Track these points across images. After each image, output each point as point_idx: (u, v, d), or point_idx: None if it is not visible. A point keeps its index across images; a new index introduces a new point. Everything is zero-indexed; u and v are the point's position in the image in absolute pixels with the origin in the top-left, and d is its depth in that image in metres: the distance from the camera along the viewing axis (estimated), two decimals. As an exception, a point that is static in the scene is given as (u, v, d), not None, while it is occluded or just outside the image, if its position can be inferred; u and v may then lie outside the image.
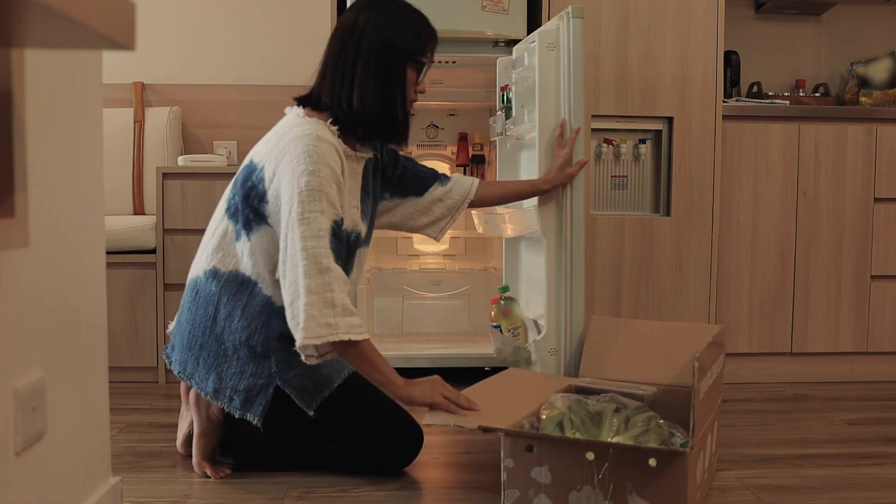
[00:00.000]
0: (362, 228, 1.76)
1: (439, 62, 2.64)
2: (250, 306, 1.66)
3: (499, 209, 2.39)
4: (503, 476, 1.50)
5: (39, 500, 1.08)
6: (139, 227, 2.65)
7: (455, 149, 3.15)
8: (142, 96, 3.16)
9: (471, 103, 3.08)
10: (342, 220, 1.62)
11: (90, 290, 1.26)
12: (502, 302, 2.34)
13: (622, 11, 2.61)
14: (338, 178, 1.60)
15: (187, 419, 1.88)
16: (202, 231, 2.68)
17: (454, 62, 2.65)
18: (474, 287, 3.12)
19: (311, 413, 1.67)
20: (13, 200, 0.93)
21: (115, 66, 3.14)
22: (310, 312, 1.51)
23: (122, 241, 2.62)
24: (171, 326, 1.86)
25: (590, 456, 1.41)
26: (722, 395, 1.78)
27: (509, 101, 2.37)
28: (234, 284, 1.66)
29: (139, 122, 3.08)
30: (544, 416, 1.56)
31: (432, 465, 1.86)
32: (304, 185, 1.54)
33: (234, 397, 1.67)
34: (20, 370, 1.03)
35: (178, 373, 1.75)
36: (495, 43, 2.59)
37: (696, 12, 2.65)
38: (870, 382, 2.79)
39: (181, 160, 2.81)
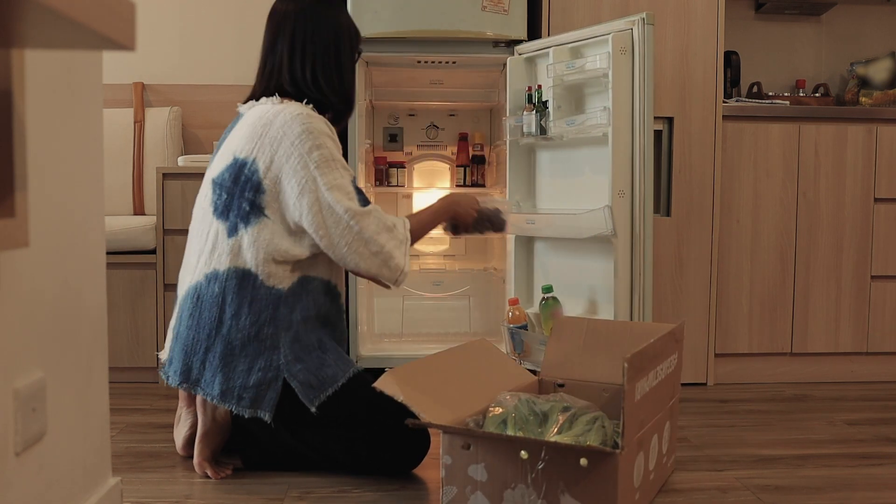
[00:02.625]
0: None
1: (439, 62, 2.65)
2: (256, 301, 1.65)
3: (562, 210, 2.39)
4: (441, 473, 1.52)
5: (39, 501, 1.08)
6: (139, 228, 2.65)
7: (455, 149, 3.15)
8: (142, 96, 3.16)
9: (471, 103, 3.08)
10: (355, 177, 1.74)
11: (90, 290, 1.26)
12: (548, 301, 2.36)
13: (623, 11, 2.61)
14: (337, 145, 1.70)
15: (187, 422, 1.88)
16: (202, 231, 2.67)
17: (454, 62, 2.66)
18: (474, 287, 3.12)
19: (313, 409, 1.67)
20: (13, 200, 0.93)
21: (116, 67, 3.14)
22: (391, 251, 1.66)
23: (122, 242, 2.62)
24: (164, 352, 1.83)
25: (524, 454, 1.42)
26: (678, 394, 1.77)
27: (543, 101, 2.39)
28: (236, 280, 1.65)
29: (139, 123, 3.08)
30: (490, 415, 1.58)
31: (433, 465, 1.86)
32: (318, 159, 1.62)
33: (244, 396, 1.65)
34: (20, 370, 1.03)
35: (181, 383, 1.70)
36: (496, 43, 2.59)
37: (696, 12, 2.65)
38: (870, 383, 2.79)
39: (181, 160, 2.81)
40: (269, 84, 1.77)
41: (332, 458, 1.78)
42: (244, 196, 1.63)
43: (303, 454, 1.79)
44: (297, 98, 1.74)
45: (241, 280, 1.65)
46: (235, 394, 1.66)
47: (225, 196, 1.66)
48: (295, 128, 1.63)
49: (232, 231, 1.64)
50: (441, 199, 1.92)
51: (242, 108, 1.81)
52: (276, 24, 1.78)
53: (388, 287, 1.74)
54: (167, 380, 1.75)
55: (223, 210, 1.66)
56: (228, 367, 1.66)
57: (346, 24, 1.81)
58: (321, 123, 1.67)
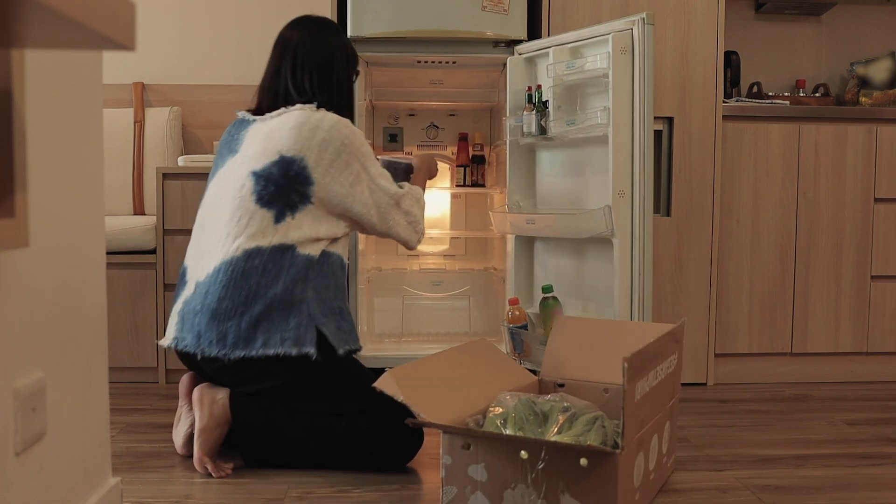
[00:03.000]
0: None
1: (439, 62, 2.65)
2: (292, 267, 1.82)
3: (562, 210, 2.41)
4: (441, 473, 1.52)
5: (39, 501, 1.08)
6: (139, 228, 2.65)
7: (455, 149, 3.15)
8: (142, 96, 3.16)
9: (471, 103, 3.08)
10: None
11: (90, 290, 1.26)
12: (548, 301, 2.36)
13: (622, 11, 2.61)
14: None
15: (187, 420, 1.89)
16: (202, 231, 2.67)
17: (454, 62, 2.66)
18: (474, 287, 3.12)
19: (341, 352, 1.82)
20: (13, 201, 0.93)
21: (116, 67, 3.14)
22: (418, 219, 2.08)
23: (122, 242, 2.62)
24: (169, 336, 1.86)
25: (524, 454, 1.42)
26: (678, 394, 1.77)
27: (543, 101, 2.39)
28: (278, 254, 1.82)
29: (139, 123, 3.08)
30: (490, 415, 1.58)
31: (433, 465, 1.86)
32: (364, 156, 1.94)
33: (286, 338, 1.77)
34: (20, 370, 1.03)
35: (219, 352, 1.76)
36: (495, 43, 2.59)
37: (696, 12, 2.65)
38: (870, 383, 2.79)
39: (181, 160, 2.81)
40: (274, 101, 1.98)
41: (330, 444, 1.80)
42: (294, 188, 1.85)
43: (303, 446, 1.80)
44: (308, 103, 1.96)
45: (282, 253, 1.82)
46: (278, 338, 1.77)
47: (272, 188, 1.84)
48: (342, 130, 1.90)
49: (279, 217, 1.84)
50: (420, 162, 2.28)
51: (253, 117, 1.99)
52: (281, 48, 2.04)
53: (409, 248, 2.10)
54: (200, 355, 1.79)
55: (269, 199, 1.84)
56: (267, 320, 1.78)
57: (343, 47, 2.06)
58: (356, 128, 1.97)
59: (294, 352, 1.76)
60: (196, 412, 1.81)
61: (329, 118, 1.90)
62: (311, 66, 1.99)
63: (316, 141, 1.86)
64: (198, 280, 1.86)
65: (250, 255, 1.81)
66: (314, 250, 1.85)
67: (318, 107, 1.93)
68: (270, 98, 2.00)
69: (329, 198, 1.87)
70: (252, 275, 1.80)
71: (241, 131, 1.98)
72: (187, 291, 1.87)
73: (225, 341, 1.76)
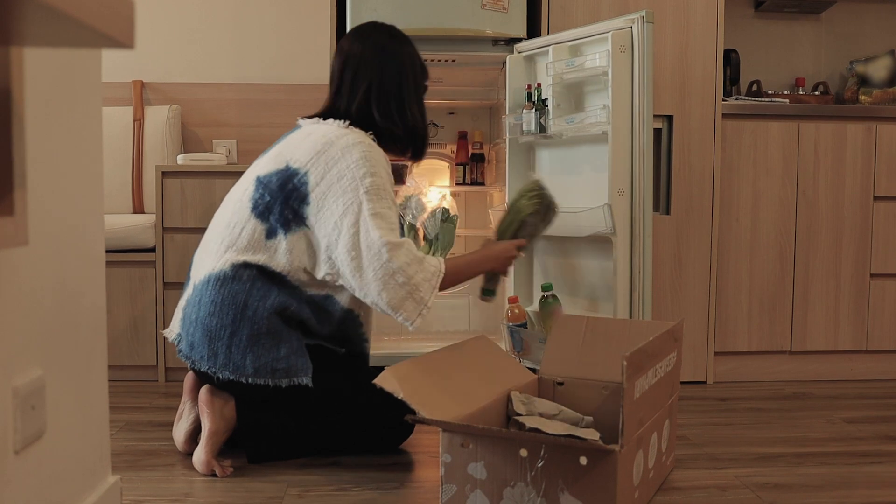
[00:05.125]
0: None
1: (439, 60, 2.65)
2: (283, 288, 1.72)
3: (564, 209, 2.42)
4: (441, 471, 1.52)
5: (39, 499, 1.08)
6: (139, 226, 2.65)
7: (455, 147, 3.15)
8: (141, 95, 3.16)
9: (470, 102, 3.08)
10: (402, 217, 1.83)
11: (90, 288, 1.26)
12: (547, 300, 2.36)
13: (622, 9, 2.61)
14: (391, 179, 1.77)
15: (190, 417, 1.89)
16: (202, 230, 2.68)
17: (454, 61, 2.65)
18: (474, 286, 3.11)
19: (342, 350, 1.84)
20: (12, 199, 0.93)
21: (115, 65, 3.14)
22: (418, 283, 1.66)
23: (121, 240, 2.62)
24: (172, 330, 1.87)
25: (523, 452, 1.42)
26: (678, 392, 1.77)
27: (542, 99, 2.40)
28: (266, 276, 1.72)
29: (139, 121, 3.08)
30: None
31: (432, 463, 1.86)
32: (370, 185, 1.67)
33: (278, 368, 1.71)
34: (19, 368, 1.03)
35: (209, 367, 1.74)
36: (495, 42, 2.59)
37: (695, 10, 2.65)
38: (869, 381, 2.79)
39: (181, 159, 2.81)
40: (336, 111, 1.86)
41: (330, 429, 1.85)
42: (289, 204, 1.70)
43: (306, 436, 1.84)
44: (363, 128, 1.82)
45: (272, 276, 1.72)
46: (269, 367, 1.71)
47: (268, 198, 1.72)
48: (354, 153, 1.70)
49: (271, 234, 1.71)
50: (482, 250, 1.97)
51: (304, 122, 1.88)
52: (343, 60, 1.88)
53: (407, 325, 1.71)
54: (192, 365, 1.78)
55: (263, 211, 1.72)
56: (257, 344, 1.70)
57: (410, 62, 1.89)
58: (379, 155, 1.75)
59: (285, 383, 1.72)
60: (206, 415, 1.80)
61: (350, 137, 1.73)
62: (377, 86, 1.84)
63: (325, 157, 1.70)
64: (195, 283, 1.82)
65: (237, 269, 1.72)
66: (312, 287, 1.73)
67: (372, 134, 1.80)
68: (332, 110, 1.88)
69: (319, 226, 1.69)
70: (240, 293, 1.70)
71: (287, 135, 1.89)
72: (188, 292, 1.86)
73: (215, 360, 1.73)
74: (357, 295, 1.70)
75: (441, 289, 1.72)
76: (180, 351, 1.82)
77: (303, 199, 1.69)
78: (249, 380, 1.72)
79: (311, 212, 1.69)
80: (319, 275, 1.71)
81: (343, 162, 1.69)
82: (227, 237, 1.76)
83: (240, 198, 1.79)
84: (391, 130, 1.85)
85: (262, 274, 1.71)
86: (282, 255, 1.70)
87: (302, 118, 1.92)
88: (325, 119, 1.84)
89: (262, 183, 1.75)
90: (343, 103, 1.86)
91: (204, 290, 1.75)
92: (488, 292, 2.07)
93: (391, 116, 1.84)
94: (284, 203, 1.70)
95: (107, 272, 1.34)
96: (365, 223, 1.64)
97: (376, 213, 1.66)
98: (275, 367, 1.71)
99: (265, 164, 1.79)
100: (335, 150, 1.71)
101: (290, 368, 1.72)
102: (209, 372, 1.76)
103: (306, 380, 1.73)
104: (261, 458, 1.84)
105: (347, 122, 1.79)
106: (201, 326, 1.75)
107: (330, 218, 1.67)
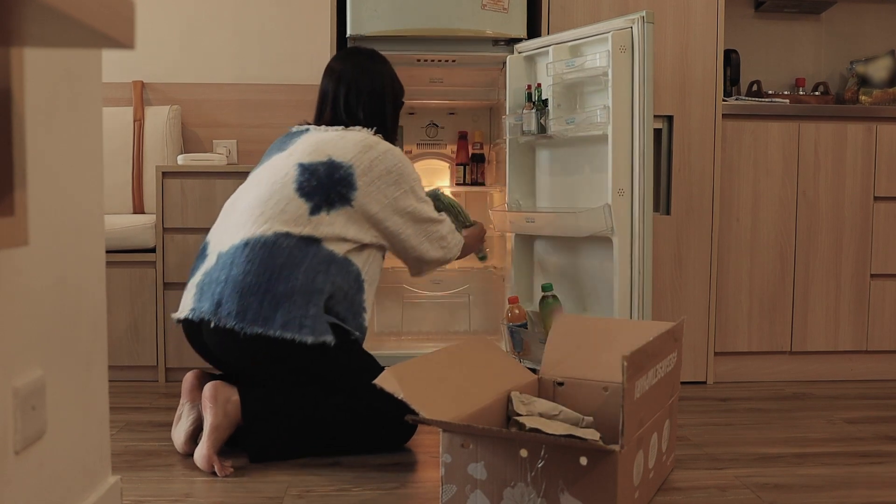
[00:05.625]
0: None
1: (439, 60, 2.65)
2: (317, 257, 1.88)
3: (562, 208, 2.43)
4: (441, 471, 1.52)
5: (39, 499, 1.08)
6: (139, 226, 2.65)
7: (455, 147, 3.15)
8: (141, 95, 3.16)
9: (470, 102, 3.08)
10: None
11: (90, 288, 1.26)
12: (548, 300, 2.36)
13: (622, 10, 2.61)
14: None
15: (189, 417, 1.89)
16: (202, 229, 2.69)
17: (454, 61, 2.65)
18: (474, 286, 3.12)
19: (356, 334, 1.94)
20: (13, 199, 0.93)
21: (115, 65, 3.14)
22: (453, 240, 2.19)
23: (121, 240, 2.62)
24: (186, 307, 1.91)
25: (523, 453, 1.42)
26: (678, 393, 1.77)
27: (542, 99, 2.40)
28: (305, 243, 1.89)
29: (139, 121, 3.08)
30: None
31: (432, 463, 1.86)
32: (415, 181, 2.07)
33: (305, 324, 1.83)
34: (20, 369, 1.03)
35: (235, 324, 1.80)
36: (495, 42, 2.59)
37: (695, 11, 2.65)
38: (869, 381, 2.79)
39: (181, 159, 2.81)
40: (340, 120, 2.12)
41: (335, 427, 1.87)
42: (335, 189, 1.94)
43: (310, 435, 1.86)
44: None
45: (308, 243, 1.89)
46: (297, 323, 1.81)
47: (315, 182, 1.94)
48: (396, 155, 2.04)
49: (315, 210, 1.92)
50: (471, 231, 2.41)
51: (308, 126, 2.13)
52: (335, 78, 2.16)
53: (436, 264, 2.17)
54: (216, 322, 1.82)
55: (309, 192, 1.93)
56: (289, 302, 1.82)
57: (391, 78, 2.22)
58: (406, 157, 2.12)
59: (310, 340, 1.81)
60: (208, 410, 1.81)
61: (385, 144, 2.05)
62: (364, 94, 2.14)
63: (368, 157, 1.99)
64: (220, 251, 1.91)
65: (279, 238, 1.87)
66: (339, 249, 1.93)
67: (375, 133, 2.08)
68: (325, 120, 2.14)
69: (370, 206, 1.97)
70: (279, 256, 1.85)
71: (295, 138, 2.09)
72: (208, 263, 1.93)
73: (244, 315, 1.80)
74: (410, 252, 2.09)
75: (461, 256, 2.30)
76: (201, 314, 1.85)
77: (350, 184, 1.95)
78: (277, 332, 1.79)
79: (359, 195, 1.96)
80: (367, 239, 1.98)
81: (388, 161, 2.01)
82: (267, 211, 1.92)
83: (279, 180, 1.97)
84: (388, 139, 2.14)
85: (302, 241, 1.89)
86: (324, 227, 1.92)
87: (306, 124, 2.14)
88: (331, 125, 2.11)
89: (307, 169, 1.96)
90: (347, 114, 2.12)
91: (239, 252, 1.87)
92: (484, 257, 2.59)
93: (390, 125, 2.19)
94: (331, 188, 1.94)
95: (107, 272, 1.35)
96: (419, 204, 2.07)
97: (421, 199, 2.09)
98: (302, 324, 1.81)
99: (307, 155, 1.99)
100: (376, 151, 2.01)
101: (315, 327, 1.82)
102: (235, 328, 1.80)
103: (330, 338, 1.83)
104: (263, 457, 1.84)
105: (374, 130, 2.08)
106: (232, 284, 1.83)
107: (383, 200, 1.99)
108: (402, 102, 2.28)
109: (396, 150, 2.07)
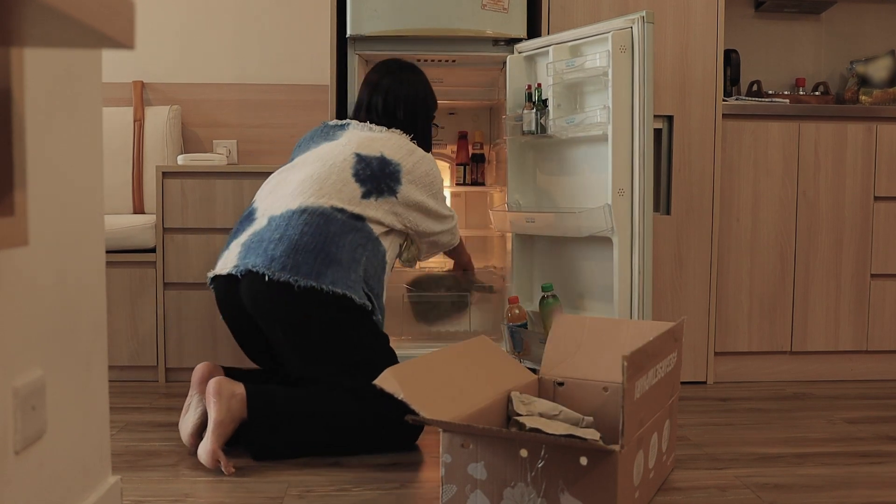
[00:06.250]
0: None
1: (439, 60, 2.65)
2: (361, 233, 2.05)
3: (562, 208, 2.44)
4: (441, 471, 1.52)
5: (39, 499, 1.08)
6: (139, 226, 2.65)
7: (455, 147, 3.15)
8: (141, 95, 3.16)
9: (471, 102, 3.08)
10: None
11: (90, 288, 1.26)
12: (548, 300, 2.36)
13: (622, 10, 2.61)
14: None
15: (197, 410, 1.90)
16: (202, 230, 2.69)
17: (454, 61, 2.65)
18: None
19: (378, 317, 2.05)
20: (13, 199, 0.93)
21: (115, 65, 3.14)
22: (456, 232, 2.39)
23: (121, 240, 2.62)
24: (229, 266, 2.00)
25: (523, 453, 1.42)
26: (678, 393, 1.77)
27: (542, 99, 2.40)
28: (354, 220, 2.06)
29: (139, 121, 3.08)
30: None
31: (433, 463, 1.86)
32: (440, 185, 2.27)
33: (351, 286, 1.96)
34: (20, 369, 1.03)
35: (290, 277, 1.90)
36: (495, 42, 2.59)
37: (695, 11, 2.65)
38: (869, 381, 2.79)
39: (181, 159, 2.81)
40: (393, 125, 2.29)
41: (342, 428, 1.88)
42: (386, 182, 2.13)
43: (315, 435, 1.86)
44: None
45: (356, 220, 2.05)
46: (345, 282, 1.94)
47: (369, 172, 2.13)
48: (429, 163, 2.24)
49: (367, 195, 2.10)
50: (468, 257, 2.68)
51: (350, 122, 2.29)
52: (371, 87, 2.32)
53: (448, 247, 2.39)
54: (270, 275, 1.90)
55: (364, 179, 2.11)
56: (339, 264, 1.97)
57: (424, 94, 2.35)
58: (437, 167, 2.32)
59: (356, 298, 1.94)
60: (213, 404, 1.81)
61: (421, 151, 2.26)
62: (402, 101, 2.30)
63: (412, 159, 2.20)
64: (272, 215, 2.05)
65: (335, 211, 2.04)
66: (377, 229, 2.11)
67: (414, 139, 2.28)
68: (363, 119, 2.31)
69: (412, 197, 2.17)
70: (332, 224, 2.01)
71: (340, 131, 2.28)
72: (258, 225, 2.05)
73: (298, 269, 1.91)
74: (431, 235, 2.27)
75: (454, 257, 2.62)
76: (254, 267, 1.93)
77: (397, 180, 2.15)
78: (328, 287, 1.91)
79: (402, 190, 2.15)
80: (398, 226, 2.17)
81: (425, 165, 2.22)
82: (325, 187, 2.08)
83: (338, 163, 2.14)
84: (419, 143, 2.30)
85: (352, 217, 2.06)
86: (371, 209, 2.10)
87: (337, 120, 2.38)
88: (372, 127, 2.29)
89: (363, 159, 2.14)
90: (385, 115, 2.29)
91: (296, 217, 2.01)
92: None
93: (425, 135, 2.35)
94: (382, 179, 2.14)
95: (107, 272, 1.35)
96: (443, 203, 2.29)
97: (441, 200, 2.28)
98: (349, 284, 1.95)
99: (364, 147, 2.17)
100: (417, 156, 2.21)
101: (357, 290, 1.97)
102: (290, 280, 1.90)
103: (369, 304, 1.99)
104: (267, 455, 1.84)
105: (411, 136, 2.27)
106: (287, 242, 1.96)
107: (419, 195, 2.18)
108: (434, 116, 2.43)
109: (430, 157, 2.29)
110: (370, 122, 2.30)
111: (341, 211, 2.07)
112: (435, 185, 2.27)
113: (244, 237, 2.05)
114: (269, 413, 1.85)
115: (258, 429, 1.84)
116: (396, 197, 2.16)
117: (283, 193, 2.13)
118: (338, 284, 1.95)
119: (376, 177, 2.15)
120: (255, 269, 1.93)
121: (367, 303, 2.00)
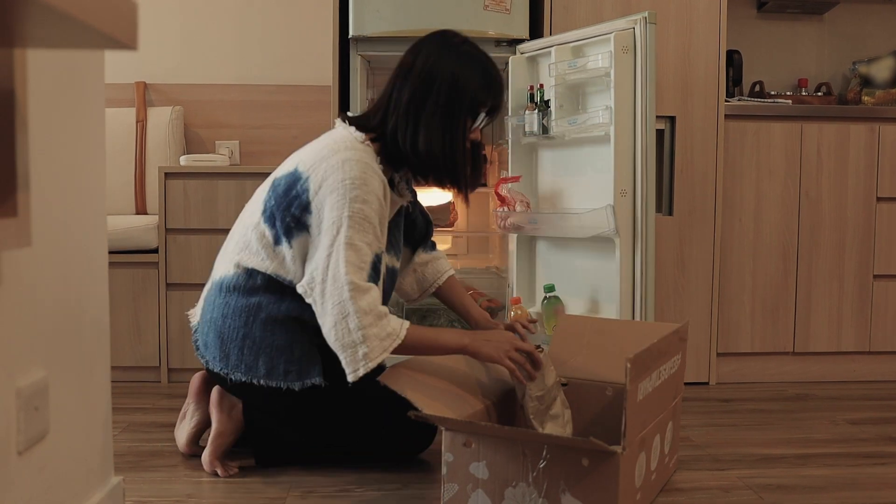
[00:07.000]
0: (395, 264, 1.85)
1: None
2: (295, 298, 1.66)
3: (564, 209, 2.42)
4: (443, 470, 1.52)
5: (42, 500, 1.08)
6: (141, 227, 2.65)
7: (457, 148, 3.13)
8: (144, 96, 3.16)
9: (473, 103, 3.07)
10: (382, 254, 1.66)
11: (92, 289, 1.26)
12: (550, 300, 2.36)
13: (624, 10, 2.61)
14: (382, 211, 1.65)
15: (194, 419, 1.89)
16: (204, 230, 2.68)
17: (456, 61, 2.65)
18: (476, 286, 3.11)
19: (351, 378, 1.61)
20: (16, 200, 0.93)
21: (118, 66, 3.14)
22: (368, 336, 1.56)
23: (124, 241, 2.63)
24: (195, 318, 1.84)
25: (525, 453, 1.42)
26: (682, 394, 1.77)
27: (545, 100, 2.40)
28: (276, 283, 1.69)
29: (141, 122, 3.08)
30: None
31: (435, 462, 1.86)
32: (356, 212, 1.58)
33: (291, 370, 1.68)
34: (23, 369, 1.03)
35: (221, 368, 1.71)
36: (498, 42, 2.59)
37: (697, 11, 2.64)
38: (872, 382, 2.78)
39: (183, 160, 2.81)
40: (367, 117, 1.77)
41: (346, 444, 1.81)
42: (290, 211, 1.64)
43: (316, 442, 1.81)
44: (382, 145, 1.73)
45: (282, 283, 1.68)
46: (281, 370, 1.68)
47: (273, 202, 1.67)
48: (352, 170, 1.60)
49: (277, 241, 1.66)
50: (465, 333, 1.73)
51: (337, 122, 1.80)
52: (395, 71, 1.76)
53: (347, 371, 1.60)
54: (206, 364, 1.77)
55: (270, 216, 1.67)
56: (270, 346, 1.68)
57: (448, 82, 1.69)
58: (378, 181, 1.63)
59: (297, 386, 1.68)
60: (214, 415, 1.80)
61: (353, 153, 1.63)
62: (395, 77, 1.73)
63: (324, 165, 1.62)
64: (214, 279, 1.79)
65: (250, 275, 1.70)
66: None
67: (385, 156, 1.70)
68: (372, 120, 1.77)
69: (321, 236, 1.60)
70: (251, 300, 1.68)
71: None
72: (209, 282, 1.82)
73: (227, 361, 1.71)
74: (317, 318, 1.62)
75: (397, 353, 1.61)
76: (196, 346, 1.81)
77: (305, 206, 1.62)
78: (261, 381, 1.68)
79: (314, 221, 1.61)
80: (300, 289, 1.62)
81: (339, 174, 1.60)
82: (240, 240, 1.73)
83: (259, 198, 1.74)
84: (404, 155, 1.72)
85: (275, 283, 1.68)
86: (289, 263, 1.66)
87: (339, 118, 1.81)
88: (352, 125, 1.75)
89: (274, 185, 1.70)
90: (374, 116, 1.76)
91: (218, 292, 1.74)
92: None
93: (408, 140, 1.71)
94: (286, 209, 1.64)
95: (109, 273, 1.35)
96: (338, 250, 1.57)
97: (352, 243, 1.57)
98: (287, 370, 1.67)
99: (284, 166, 1.74)
100: (335, 160, 1.62)
101: (301, 370, 1.68)
102: (221, 373, 1.73)
103: (318, 380, 1.68)
104: (269, 462, 1.83)
105: (369, 136, 1.70)
106: (214, 328, 1.73)
107: (324, 233, 1.60)
108: (470, 119, 1.80)
109: (362, 164, 1.62)
110: (367, 118, 1.76)
111: (253, 274, 1.67)
112: (350, 199, 1.57)
113: (206, 288, 1.82)
114: (269, 424, 1.81)
115: (259, 438, 1.82)
116: (310, 231, 1.61)
117: (227, 244, 1.80)
118: (273, 376, 1.66)
119: (280, 206, 1.64)
120: (197, 351, 1.79)
121: (318, 381, 1.68)
